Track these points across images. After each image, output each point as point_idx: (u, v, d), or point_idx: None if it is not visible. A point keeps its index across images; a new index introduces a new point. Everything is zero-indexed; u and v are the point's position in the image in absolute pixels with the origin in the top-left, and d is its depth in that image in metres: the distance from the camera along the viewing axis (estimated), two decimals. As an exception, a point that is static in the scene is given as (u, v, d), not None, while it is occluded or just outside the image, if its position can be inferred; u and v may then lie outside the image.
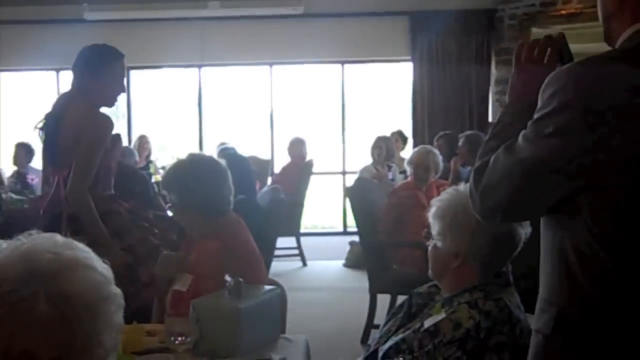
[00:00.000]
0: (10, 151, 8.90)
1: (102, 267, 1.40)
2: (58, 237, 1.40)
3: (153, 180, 7.51)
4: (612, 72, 1.62)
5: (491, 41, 10.24)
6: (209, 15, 10.16)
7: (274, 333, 2.75)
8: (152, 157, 8.82)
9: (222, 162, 3.16)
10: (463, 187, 2.42)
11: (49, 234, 1.41)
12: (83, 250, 1.40)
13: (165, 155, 9.67)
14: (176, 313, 2.77)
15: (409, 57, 10.37)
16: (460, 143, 7.52)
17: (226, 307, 2.58)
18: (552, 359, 1.72)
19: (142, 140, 9.08)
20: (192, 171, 3.05)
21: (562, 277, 1.69)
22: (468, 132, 7.95)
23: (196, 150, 7.76)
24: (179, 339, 2.37)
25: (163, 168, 8.71)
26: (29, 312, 1.28)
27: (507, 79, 7.41)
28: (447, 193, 2.46)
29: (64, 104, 3.68)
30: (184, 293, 2.85)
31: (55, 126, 3.60)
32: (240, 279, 2.63)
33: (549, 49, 1.86)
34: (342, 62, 10.48)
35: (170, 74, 11.36)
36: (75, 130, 3.55)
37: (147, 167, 8.31)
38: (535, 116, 1.67)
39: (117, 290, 1.42)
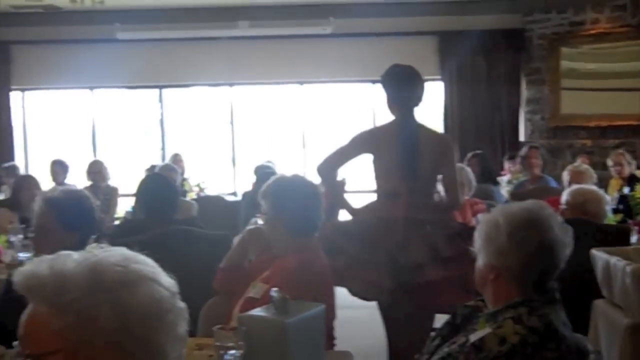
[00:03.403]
0: (43, 168, 9.03)
1: (168, 282, 1.44)
2: (126, 251, 1.45)
3: (187, 197, 7.57)
4: None
5: (521, 60, 10.25)
6: (239, 34, 10.28)
7: (320, 349, 2.77)
8: (186, 175, 8.90)
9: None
10: (504, 205, 2.48)
11: (118, 248, 1.46)
12: (149, 265, 1.45)
13: (197, 173, 9.72)
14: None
15: (439, 77, 10.41)
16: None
17: (273, 321, 2.61)
18: None
19: (177, 159, 9.15)
20: (291, 188, 3.25)
21: None
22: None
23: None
24: (230, 353, 2.40)
25: (197, 186, 8.79)
26: (93, 321, 1.32)
27: (537, 99, 7.54)
28: (495, 210, 2.50)
29: None
30: (256, 301, 2.92)
31: None
32: (286, 295, 2.66)
33: None
34: (372, 81, 10.52)
35: (202, 92, 11.46)
36: None
37: (181, 185, 8.38)
38: None
39: (181, 304, 1.46)
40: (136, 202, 4.93)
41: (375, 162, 4.32)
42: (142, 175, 8.50)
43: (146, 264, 1.44)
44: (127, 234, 4.24)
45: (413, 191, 4.15)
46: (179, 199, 4.99)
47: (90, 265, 1.37)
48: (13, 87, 10.61)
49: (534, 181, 7.53)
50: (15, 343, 1.41)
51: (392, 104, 4.31)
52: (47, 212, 3.39)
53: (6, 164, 9.18)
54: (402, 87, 4.27)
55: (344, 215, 4.46)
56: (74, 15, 9.83)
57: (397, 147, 4.18)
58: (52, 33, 10.28)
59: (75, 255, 1.41)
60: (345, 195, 4.45)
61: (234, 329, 2.61)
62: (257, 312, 2.69)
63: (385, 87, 4.35)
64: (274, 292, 2.66)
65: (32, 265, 1.38)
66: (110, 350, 1.32)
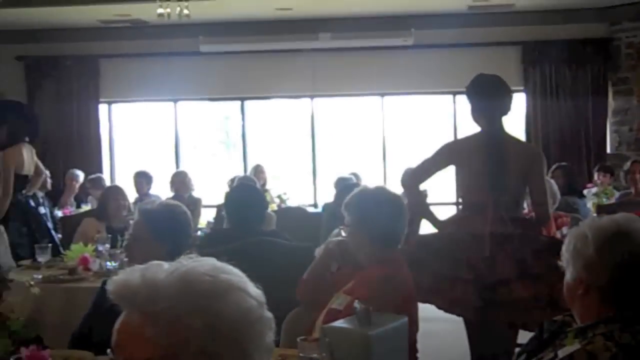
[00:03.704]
0: (128, 179, 9.25)
1: (255, 292, 1.45)
2: (215, 261, 1.47)
3: (269, 209, 7.60)
4: None
5: (607, 71, 10.01)
6: (320, 46, 10.33)
7: (403, 361, 2.76)
8: (267, 187, 8.98)
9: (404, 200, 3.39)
10: (593, 218, 2.41)
11: (207, 258, 1.48)
12: (237, 275, 1.46)
13: (278, 184, 9.80)
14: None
15: (522, 88, 10.25)
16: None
17: (356, 333, 2.61)
18: None
19: (258, 170, 9.24)
20: (374, 200, 3.23)
21: None
22: None
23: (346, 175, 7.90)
24: (313, 364, 2.41)
25: (278, 197, 8.84)
26: (184, 330, 1.34)
27: (625, 109, 7.29)
28: (583, 223, 2.44)
29: None
30: (339, 313, 2.92)
31: None
32: (369, 307, 2.65)
33: None
34: (454, 93, 10.43)
35: (283, 104, 11.56)
36: None
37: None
38: None
39: (268, 314, 1.47)
40: (217, 212, 5.01)
41: (459, 174, 4.28)
42: (224, 186, 8.62)
43: (234, 274, 1.45)
44: (213, 244, 4.30)
45: (500, 204, 4.08)
46: (266, 210, 5.02)
47: (181, 275, 1.39)
48: (101, 99, 10.89)
49: (638, 196, 7.32)
50: (108, 350, 1.44)
51: (477, 115, 4.27)
52: (141, 222, 3.48)
53: (92, 176, 9.45)
54: (488, 96, 4.22)
55: (426, 228, 4.43)
56: (159, 29, 10.03)
57: (483, 158, 4.14)
58: (138, 46, 10.53)
59: (165, 265, 1.43)
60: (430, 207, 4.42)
61: (317, 340, 2.62)
62: (341, 323, 2.69)
63: (470, 97, 4.30)
64: (357, 303, 2.66)
65: (125, 274, 1.41)
66: (200, 358, 1.34)
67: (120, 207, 6.33)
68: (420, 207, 4.34)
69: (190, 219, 3.62)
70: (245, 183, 6.70)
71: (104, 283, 3.65)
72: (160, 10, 6.39)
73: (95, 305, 3.42)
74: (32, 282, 4.11)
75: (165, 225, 3.45)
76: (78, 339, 3.35)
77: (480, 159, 4.13)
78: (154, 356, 1.34)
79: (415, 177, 4.33)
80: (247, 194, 4.73)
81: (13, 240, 6.18)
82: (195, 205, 8.06)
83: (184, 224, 3.55)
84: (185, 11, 6.36)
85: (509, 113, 4.30)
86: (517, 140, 4.33)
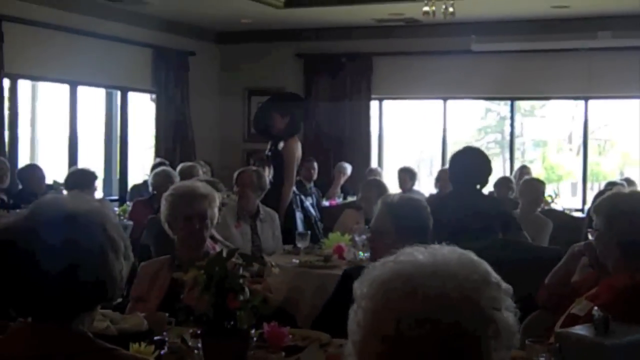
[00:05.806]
0: (395, 175, 9.44)
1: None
2: None
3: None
4: None
5: None
6: (599, 45, 9.84)
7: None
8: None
9: None
10: None
11: None
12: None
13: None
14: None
15: None
16: None
17: (590, 341, 2.46)
18: None
19: (524, 171, 9.10)
20: (626, 204, 3.04)
21: None
22: None
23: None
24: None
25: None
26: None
27: None
28: None
29: None
30: (579, 319, 2.80)
31: None
32: (609, 315, 2.50)
33: None
34: None
35: (556, 106, 11.19)
36: None
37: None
38: None
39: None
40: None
41: None
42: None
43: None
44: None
45: None
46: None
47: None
48: (373, 96, 11.18)
49: None
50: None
51: None
52: (383, 215, 3.53)
53: (370, 167, 9.84)
54: None
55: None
56: (432, 27, 10.09)
57: None
58: (410, 45, 10.68)
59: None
60: None
61: (549, 344, 2.52)
62: (576, 329, 2.56)
63: None
64: (596, 310, 2.52)
65: None
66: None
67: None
68: None
69: (430, 214, 3.59)
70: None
71: (345, 271, 3.77)
72: (425, 8, 6.46)
73: (337, 292, 3.52)
74: (273, 263, 4.34)
75: (409, 220, 3.47)
76: (319, 322, 3.48)
77: None
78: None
79: None
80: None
81: (292, 227, 6.55)
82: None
83: (426, 220, 3.55)
84: (450, 9, 6.36)
85: None
86: None
